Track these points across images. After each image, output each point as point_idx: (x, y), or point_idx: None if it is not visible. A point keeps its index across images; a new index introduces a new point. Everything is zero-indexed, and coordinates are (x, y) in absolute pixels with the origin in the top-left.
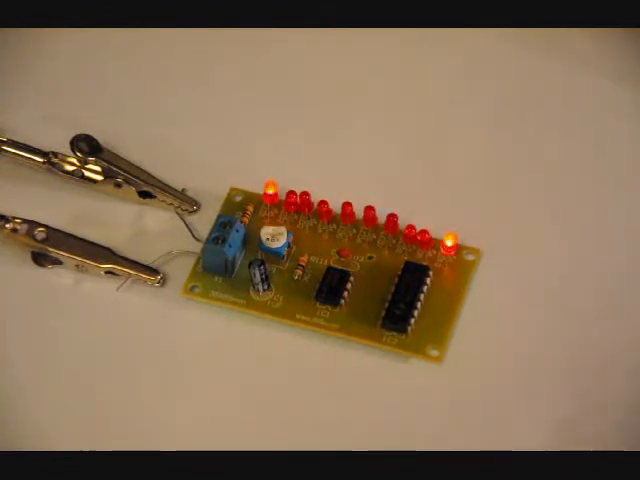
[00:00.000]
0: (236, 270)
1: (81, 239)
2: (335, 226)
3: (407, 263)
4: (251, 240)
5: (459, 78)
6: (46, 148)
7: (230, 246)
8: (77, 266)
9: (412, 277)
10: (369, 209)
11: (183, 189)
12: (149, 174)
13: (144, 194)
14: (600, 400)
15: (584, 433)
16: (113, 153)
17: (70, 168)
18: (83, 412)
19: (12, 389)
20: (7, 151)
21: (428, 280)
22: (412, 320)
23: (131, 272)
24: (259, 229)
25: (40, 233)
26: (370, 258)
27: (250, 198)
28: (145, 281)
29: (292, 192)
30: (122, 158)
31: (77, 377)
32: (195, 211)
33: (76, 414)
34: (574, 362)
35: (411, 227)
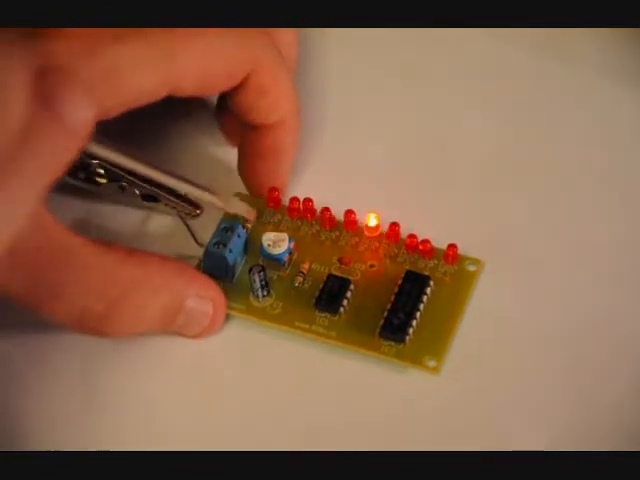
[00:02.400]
0: (236, 275)
1: None
2: (338, 233)
3: (408, 272)
4: (253, 245)
5: (460, 83)
6: None
7: (231, 251)
8: None
9: (412, 287)
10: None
11: (186, 192)
12: (152, 177)
13: (148, 198)
14: (600, 415)
15: (583, 446)
16: (116, 156)
17: (72, 170)
18: (82, 412)
19: (11, 389)
20: None
21: (429, 290)
22: (410, 330)
23: None
24: (262, 234)
25: None
26: (372, 266)
27: (253, 203)
28: None
29: (295, 198)
30: (125, 161)
31: (77, 377)
32: (198, 215)
33: (75, 414)
34: (575, 376)
35: (413, 236)
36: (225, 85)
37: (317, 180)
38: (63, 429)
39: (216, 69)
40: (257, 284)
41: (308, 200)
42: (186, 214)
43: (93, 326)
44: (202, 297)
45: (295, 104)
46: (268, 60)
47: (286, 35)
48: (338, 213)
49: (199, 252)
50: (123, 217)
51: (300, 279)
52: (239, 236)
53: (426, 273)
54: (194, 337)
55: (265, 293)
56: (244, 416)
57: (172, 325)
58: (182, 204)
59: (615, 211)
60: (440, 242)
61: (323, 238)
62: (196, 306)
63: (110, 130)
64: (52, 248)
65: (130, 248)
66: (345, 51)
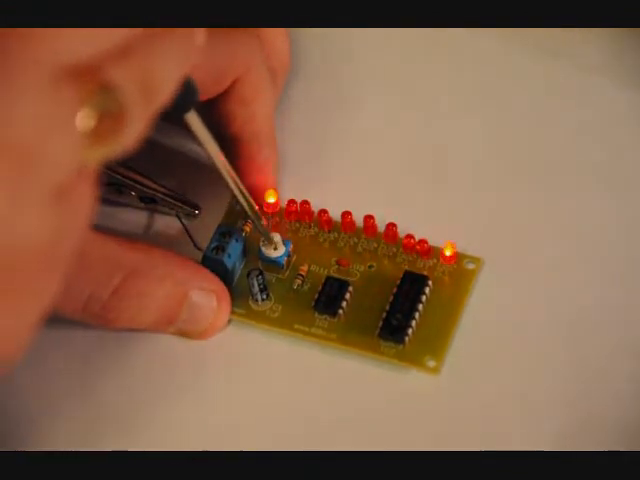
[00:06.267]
0: (235, 279)
1: None
2: (336, 234)
3: (406, 273)
4: (252, 249)
5: (459, 82)
6: None
7: (229, 256)
8: None
9: (411, 287)
10: (369, 218)
11: (184, 192)
12: (150, 179)
13: (146, 199)
14: (601, 414)
15: (583, 445)
16: (114, 158)
17: None
18: (82, 412)
19: (11, 389)
20: None
21: (427, 290)
22: (409, 330)
23: None
24: (260, 238)
25: None
26: (370, 267)
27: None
28: None
29: (292, 201)
30: (123, 163)
31: (76, 378)
32: (197, 215)
33: (75, 414)
34: (575, 375)
35: (410, 237)
36: (212, 91)
37: (314, 182)
38: (63, 429)
39: (204, 75)
40: (256, 288)
41: (305, 202)
42: (185, 214)
43: (98, 314)
44: (206, 290)
45: (271, 122)
46: (255, 70)
47: (278, 36)
48: (335, 215)
49: (197, 256)
50: (121, 219)
51: (299, 281)
52: (237, 240)
53: (424, 273)
54: (199, 337)
55: (264, 297)
56: (245, 418)
57: (176, 320)
58: (180, 205)
59: (614, 210)
60: (439, 242)
61: (321, 240)
62: (200, 300)
63: None
64: None
65: (133, 239)
66: (344, 51)
